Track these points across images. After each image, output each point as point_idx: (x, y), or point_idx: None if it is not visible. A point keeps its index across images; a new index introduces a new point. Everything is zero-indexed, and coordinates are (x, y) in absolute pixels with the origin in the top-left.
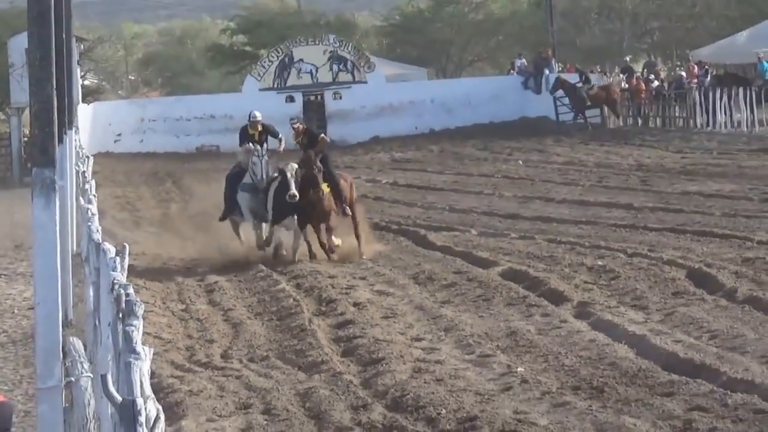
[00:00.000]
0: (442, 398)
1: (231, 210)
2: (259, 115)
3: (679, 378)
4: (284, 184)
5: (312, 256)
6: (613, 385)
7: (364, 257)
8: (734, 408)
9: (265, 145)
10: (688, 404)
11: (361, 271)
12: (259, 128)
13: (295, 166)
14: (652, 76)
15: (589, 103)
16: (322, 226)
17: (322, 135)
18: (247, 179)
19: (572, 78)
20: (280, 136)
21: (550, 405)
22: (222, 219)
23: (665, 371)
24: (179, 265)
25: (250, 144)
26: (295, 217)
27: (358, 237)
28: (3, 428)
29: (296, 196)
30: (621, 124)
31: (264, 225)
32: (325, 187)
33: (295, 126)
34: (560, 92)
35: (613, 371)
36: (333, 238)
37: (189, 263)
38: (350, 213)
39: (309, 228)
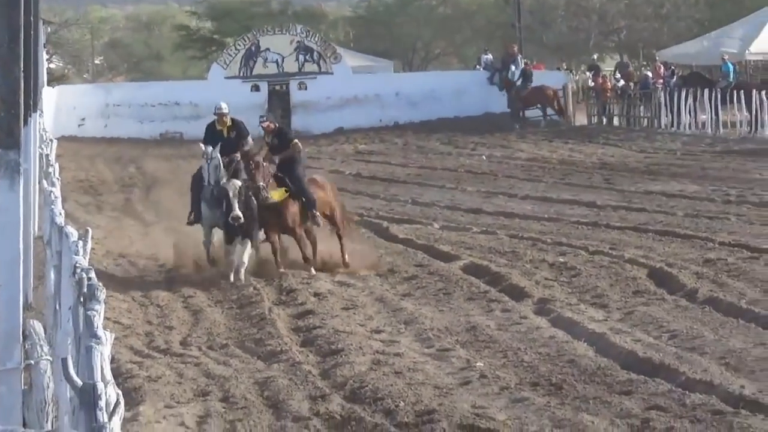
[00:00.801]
0: (401, 391)
1: (198, 216)
2: (225, 107)
3: (638, 377)
4: (228, 205)
5: (277, 265)
6: (572, 383)
7: (347, 269)
8: (692, 408)
9: (218, 146)
10: (646, 403)
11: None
12: (227, 122)
13: (239, 183)
14: (618, 76)
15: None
16: (275, 237)
17: (295, 141)
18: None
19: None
20: (249, 138)
21: (509, 400)
22: (190, 224)
23: (624, 370)
24: (140, 250)
25: (201, 144)
26: (242, 236)
27: (341, 247)
28: None
29: (239, 218)
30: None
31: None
32: (277, 193)
33: (265, 124)
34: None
35: (572, 368)
36: (306, 248)
37: (150, 249)
38: (320, 222)
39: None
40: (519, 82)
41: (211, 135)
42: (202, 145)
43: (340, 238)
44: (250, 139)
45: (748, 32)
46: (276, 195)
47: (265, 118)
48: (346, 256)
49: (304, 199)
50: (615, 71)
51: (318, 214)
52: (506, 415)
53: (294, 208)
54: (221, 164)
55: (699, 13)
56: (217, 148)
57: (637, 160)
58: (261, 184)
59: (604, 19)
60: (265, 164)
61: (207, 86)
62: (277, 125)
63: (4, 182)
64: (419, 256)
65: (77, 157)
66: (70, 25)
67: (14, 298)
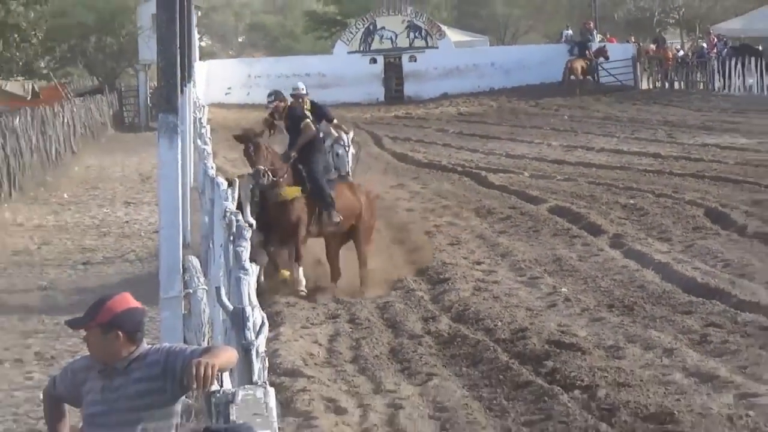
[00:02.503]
0: (498, 312)
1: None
2: (302, 86)
3: (697, 299)
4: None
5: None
6: (641, 304)
7: (364, 295)
8: (743, 325)
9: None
10: (704, 321)
11: (431, 205)
12: (306, 105)
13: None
14: (678, 46)
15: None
16: (287, 243)
17: (307, 121)
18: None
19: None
20: (333, 122)
21: (589, 320)
22: None
23: (685, 293)
24: None
25: (332, 130)
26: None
27: (361, 268)
28: (136, 330)
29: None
30: (650, 86)
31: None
32: (290, 190)
33: (273, 104)
34: (601, 59)
35: (642, 292)
36: (299, 267)
37: None
38: (338, 220)
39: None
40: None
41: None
42: (332, 130)
43: (359, 257)
44: (328, 126)
45: None
46: (289, 192)
47: (273, 98)
48: (366, 283)
49: (318, 199)
50: (655, 42)
51: (336, 213)
52: (586, 332)
53: (303, 210)
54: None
55: None
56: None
57: (695, 118)
58: (260, 167)
59: None
60: (270, 148)
61: (332, 59)
62: (289, 103)
63: (164, 141)
64: (512, 199)
65: (225, 120)
66: (216, 9)
67: (174, 238)
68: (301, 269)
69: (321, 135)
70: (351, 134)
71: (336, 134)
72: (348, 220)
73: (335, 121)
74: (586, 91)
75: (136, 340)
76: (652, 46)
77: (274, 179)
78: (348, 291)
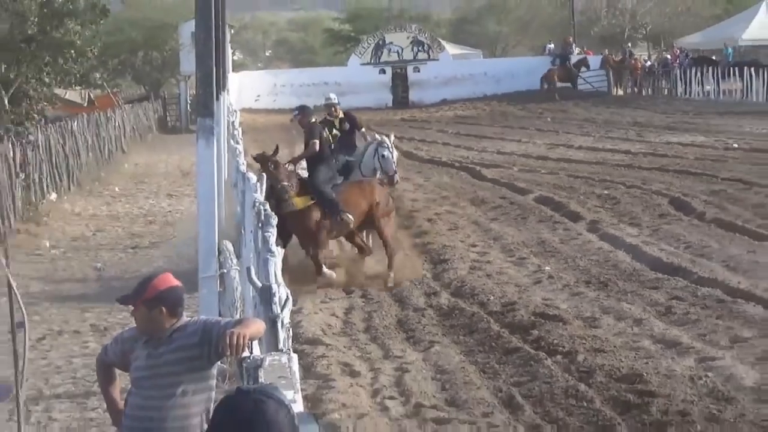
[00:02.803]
0: (491, 288)
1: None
2: (334, 97)
3: (663, 276)
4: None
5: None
6: (615, 281)
7: (389, 285)
8: (703, 298)
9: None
10: (669, 295)
11: (432, 195)
12: (339, 114)
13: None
14: (645, 57)
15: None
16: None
17: (314, 141)
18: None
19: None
20: (363, 130)
21: (569, 294)
22: None
23: (653, 271)
24: None
25: (376, 135)
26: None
27: (387, 251)
28: (177, 305)
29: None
30: (621, 93)
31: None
32: (301, 200)
33: (298, 117)
34: (583, 68)
35: (615, 270)
36: (324, 268)
37: None
38: (350, 220)
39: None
40: (555, 64)
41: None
42: (376, 135)
43: (383, 241)
44: (363, 131)
45: (741, 25)
46: (299, 202)
47: (298, 113)
48: (392, 275)
49: (325, 206)
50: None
51: (346, 213)
52: (567, 305)
53: (317, 215)
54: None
55: (705, 10)
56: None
57: (660, 120)
58: (285, 183)
59: (635, 17)
60: (287, 166)
61: (347, 70)
62: (311, 120)
63: (202, 141)
64: (503, 191)
65: (254, 123)
66: (247, 28)
67: (211, 225)
68: (325, 268)
69: (363, 141)
70: (392, 137)
71: (380, 138)
72: (359, 216)
73: (363, 129)
74: (564, 96)
75: (176, 314)
76: (613, 57)
77: (287, 185)
78: (375, 277)
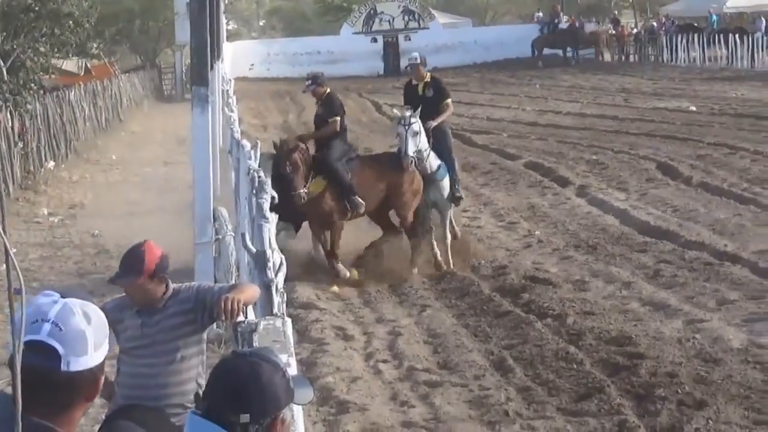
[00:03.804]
0: (482, 252)
1: None
2: (417, 56)
3: (651, 239)
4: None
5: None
6: (603, 245)
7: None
8: (690, 261)
9: (418, 109)
10: (657, 258)
11: None
12: (424, 77)
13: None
14: (632, 24)
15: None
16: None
17: (336, 118)
18: None
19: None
20: (449, 101)
21: (559, 258)
22: None
23: (641, 235)
24: None
25: (395, 110)
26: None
27: (412, 250)
28: (165, 272)
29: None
30: (609, 59)
31: None
32: (314, 184)
33: (312, 87)
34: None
35: (604, 234)
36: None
37: None
38: (360, 207)
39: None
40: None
41: (409, 96)
42: (395, 110)
43: (408, 238)
44: (449, 101)
45: None
46: (313, 187)
47: (310, 82)
48: (415, 271)
49: (338, 185)
50: (611, 25)
51: (358, 199)
52: (557, 269)
53: (333, 200)
54: (422, 131)
55: None
56: (417, 111)
57: (647, 86)
58: (302, 191)
59: None
60: (302, 158)
61: (339, 39)
62: (327, 91)
63: (197, 109)
64: (493, 156)
65: (248, 92)
66: None
67: (206, 191)
68: (339, 265)
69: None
70: (415, 112)
71: (399, 113)
72: (371, 200)
73: (449, 100)
74: (551, 63)
75: (166, 281)
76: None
77: (303, 192)
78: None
